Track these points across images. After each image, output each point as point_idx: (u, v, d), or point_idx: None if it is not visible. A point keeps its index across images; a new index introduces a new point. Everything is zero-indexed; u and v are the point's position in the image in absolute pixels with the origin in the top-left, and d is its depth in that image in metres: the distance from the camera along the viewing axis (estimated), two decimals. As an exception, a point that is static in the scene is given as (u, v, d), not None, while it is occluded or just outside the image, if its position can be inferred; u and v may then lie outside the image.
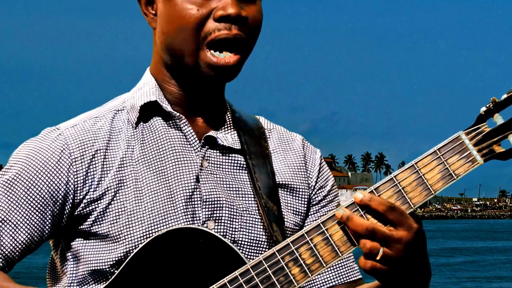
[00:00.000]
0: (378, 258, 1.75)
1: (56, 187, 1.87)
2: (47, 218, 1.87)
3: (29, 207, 1.86)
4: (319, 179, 2.06)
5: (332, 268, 2.04)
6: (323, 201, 2.06)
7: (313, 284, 2.04)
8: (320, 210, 2.05)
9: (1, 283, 1.82)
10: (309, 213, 2.04)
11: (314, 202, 2.05)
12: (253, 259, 1.87)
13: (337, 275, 2.04)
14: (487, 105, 1.81)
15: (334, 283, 2.04)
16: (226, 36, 1.87)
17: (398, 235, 1.75)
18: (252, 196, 1.95)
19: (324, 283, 2.04)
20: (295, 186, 2.02)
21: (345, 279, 2.05)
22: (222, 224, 1.90)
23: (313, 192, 2.05)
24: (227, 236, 1.90)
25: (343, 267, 2.05)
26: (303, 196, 2.02)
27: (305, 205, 2.03)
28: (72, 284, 1.91)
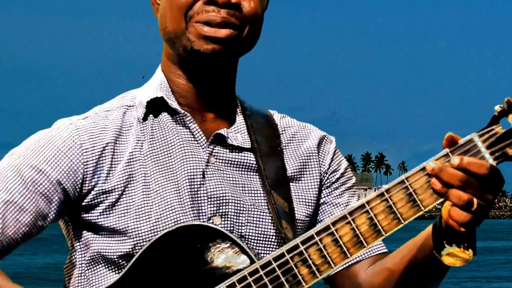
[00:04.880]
0: (473, 209, 1.72)
1: (65, 175, 1.88)
2: (53, 204, 1.88)
3: (37, 191, 1.87)
4: (332, 164, 2.06)
5: None
6: (336, 183, 2.06)
7: None
8: (334, 192, 2.05)
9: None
10: (324, 196, 2.04)
11: (328, 184, 2.05)
12: (262, 253, 1.89)
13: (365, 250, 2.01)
14: (501, 106, 1.77)
15: (360, 258, 2.02)
16: (214, 17, 1.88)
17: (492, 187, 1.74)
18: (261, 192, 1.95)
19: (349, 260, 1.98)
20: (306, 177, 2.02)
21: (369, 253, 2.03)
22: (229, 219, 1.91)
23: (325, 177, 2.05)
24: (234, 231, 1.90)
25: None
26: (313, 187, 2.03)
27: (316, 195, 2.03)
28: (81, 265, 1.93)
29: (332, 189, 2.05)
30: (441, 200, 1.76)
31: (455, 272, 34.53)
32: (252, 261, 1.81)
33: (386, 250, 2.05)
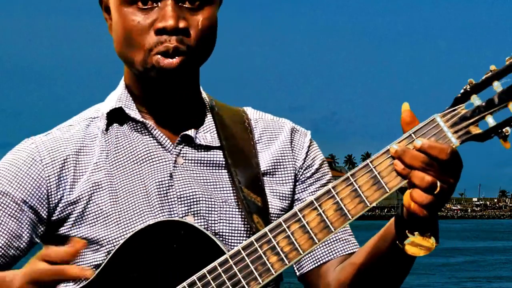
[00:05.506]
0: (436, 192, 1.73)
1: (29, 193, 1.92)
2: (24, 224, 1.92)
3: (5, 214, 1.92)
4: (306, 159, 2.06)
5: (328, 242, 2.04)
6: (311, 179, 2.06)
7: (310, 260, 2.04)
8: (308, 188, 2.05)
9: None
10: (298, 191, 2.04)
11: (302, 179, 2.05)
12: None
13: (333, 250, 2.04)
14: (464, 87, 1.77)
15: (330, 258, 2.03)
16: (166, 49, 1.89)
17: (453, 170, 1.74)
18: (230, 188, 1.96)
19: (321, 259, 2.04)
20: (280, 171, 2.03)
21: (340, 253, 2.04)
22: (201, 217, 1.92)
23: (301, 172, 2.05)
24: (207, 229, 1.92)
25: (338, 241, 2.05)
26: (288, 181, 2.03)
27: (291, 189, 2.03)
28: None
29: (307, 185, 2.05)
30: (405, 181, 1.76)
31: (455, 272, 34.51)
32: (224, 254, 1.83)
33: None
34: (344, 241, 2.05)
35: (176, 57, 1.89)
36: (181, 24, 1.89)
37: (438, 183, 1.73)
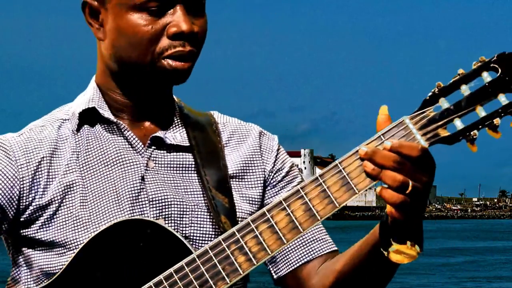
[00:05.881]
0: (408, 191, 1.72)
1: (0, 192, 1.89)
2: None
3: None
4: (276, 163, 2.05)
5: (304, 243, 2.02)
6: (282, 182, 2.05)
7: (288, 262, 2.02)
8: (279, 192, 2.04)
9: None
10: (269, 196, 2.03)
11: (273, 184, 2.04)
12: None
13: (311, 250, 2.02)
14: (433, 90, 1.77)
15: (308, 258, 2.02)
16: (181, 53, 1.89)
17: (425, 168, 1.74)
18: (201, 191, 1.95)
19: (299, 260, 2.02)
20: (249, 175, 2.02)
21: (319, 252, 2.03)
22: (172, 221, 1.91)
23: (271, 176, 2.04)
24: (178, 232, 1.89)
25: (316, 241, 2.03)
26: (257, 185, 2.02)
27: (260, 192, 2.02)
28: (27, 282, 1.92)
29: (278, 189, 2.04)
30: (374, 182, 1.76)
31: (455, 272, 34.53)
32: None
33: (336, 248, 2.05)
34: (321, 240, 2.04)
35: (188, 61, 1.90)
36: (196, 28, 1.90)
37: (410, 182, 1.72)
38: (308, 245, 2.03)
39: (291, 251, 2.01)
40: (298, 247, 2.03)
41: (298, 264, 2.02)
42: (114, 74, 1.97)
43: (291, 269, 2.02)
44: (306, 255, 2.02)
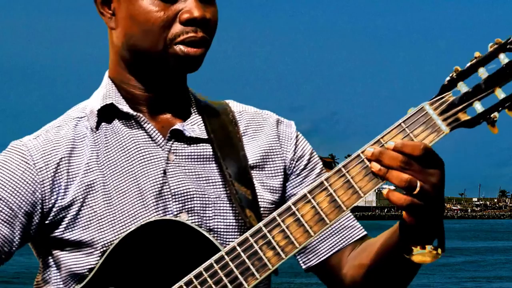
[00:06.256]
0: (416, 192, 1.73)
1: (23, 198, 1.89)
2: (16, 229, 1.89)
3: None
4: (296, 150, 2.05)
5: (334, 232, 2.03)
6: (305, 170, 2.05)
7: (317, 252, 2.03)
8: (304, 180, 2.04)
9: None
10: (293, 185, 2.03)
11: (296, 173, 2.04)
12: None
13: (342, 238, 2.03)
14: (451, 75, 1.78)
15: (340, 246, 2.03)
16: (193, 39, 1.90)
17: (432, 167, 1.75)
18: (222, 184, 1.95)
19: (331, 249, 2.02)
20: (269, 164, 2.02)
21: (350, 239, 2.03)
22: (196, 214, 1.91)
23: (292, 164, 2.04)
24: (202, 226, 1.90)
25: (345, 228, 2.03)
26: (278, 174, 2.02)
27: (282, 182, 2.02)
28: (57, 283, 1.93)
29: (303, 177, 2.04)
30: (383, 182, 1.78)
31: (455, 272, 34.50)
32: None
33: (364, 233, 2.05)
34: (350, 227, 2.04)
35: (200, 47, 1.90)
36: (208, 15, 1.91)
37: (418, 183, 1.73)
38: (336, 234, 2.03)
39: (320, 242, 2.02)
40: (328, 237, 2.03)
41: (328, 255, 2.03)
42: (128, 64, 1.97)
43: (321, 259, 2.03)
44: (336, 245, 2.03)
